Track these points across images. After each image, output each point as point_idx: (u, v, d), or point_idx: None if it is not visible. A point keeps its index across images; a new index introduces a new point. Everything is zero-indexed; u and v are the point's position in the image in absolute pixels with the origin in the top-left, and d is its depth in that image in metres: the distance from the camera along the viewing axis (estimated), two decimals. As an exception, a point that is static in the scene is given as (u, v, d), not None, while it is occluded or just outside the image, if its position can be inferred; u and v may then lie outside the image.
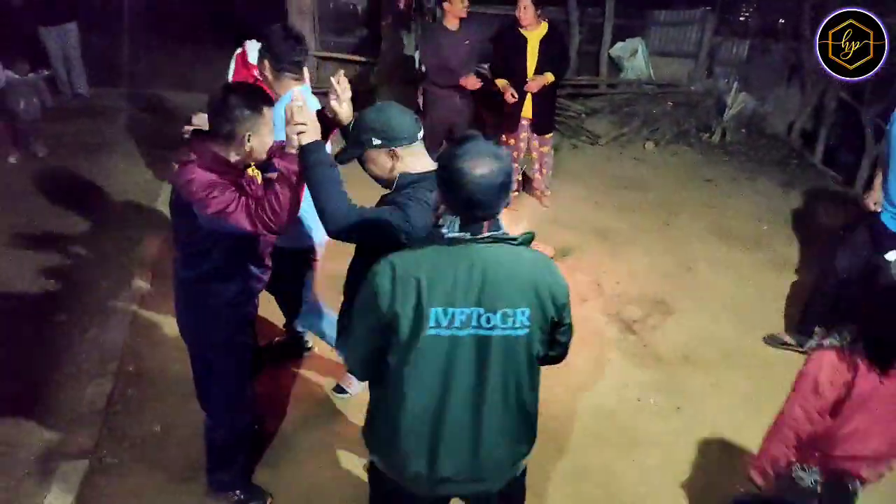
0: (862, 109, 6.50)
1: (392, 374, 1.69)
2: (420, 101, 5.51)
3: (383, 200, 2.06)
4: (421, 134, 2.05)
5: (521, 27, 5.04)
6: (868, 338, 2.03)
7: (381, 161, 2.02)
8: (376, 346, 1.69)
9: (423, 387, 1.67)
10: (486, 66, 7.10)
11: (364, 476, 2.25)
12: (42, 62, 6.57)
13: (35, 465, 2.84)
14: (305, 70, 2.87)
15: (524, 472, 1.96)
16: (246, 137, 2.14)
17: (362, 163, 2.06)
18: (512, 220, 4.87)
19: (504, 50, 5.23)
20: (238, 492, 2.72)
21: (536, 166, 5.69)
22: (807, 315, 3.97)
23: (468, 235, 1.62)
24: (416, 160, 2.04)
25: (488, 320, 1.62)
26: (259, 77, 3.03)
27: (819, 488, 2.23)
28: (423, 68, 5.56)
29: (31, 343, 3.58)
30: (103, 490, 2.74)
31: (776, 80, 8.02)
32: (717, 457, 3.15)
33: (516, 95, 5.13)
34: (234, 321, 2.40)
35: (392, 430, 1.72)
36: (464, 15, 5.12)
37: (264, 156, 2.24)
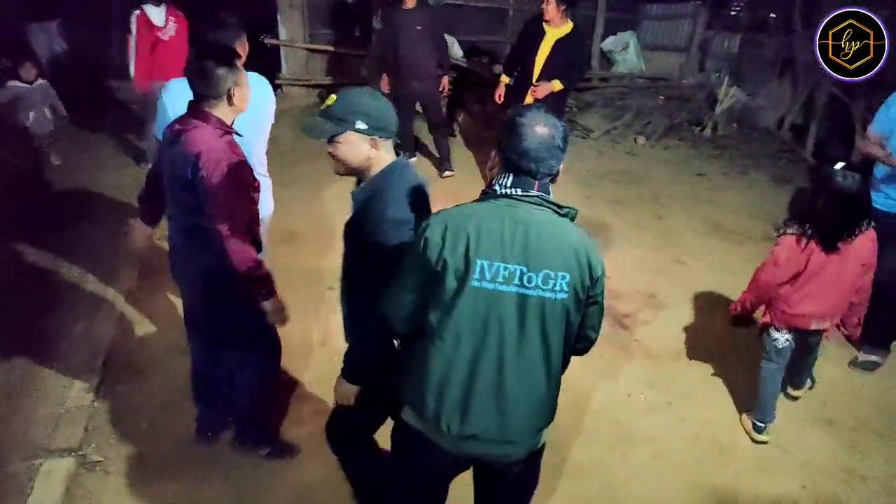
0: (852, 104, 6.51)
1: (431, 324, 1.74)
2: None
3: (370, 187, 2.00)
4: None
5: (545, 21, 4.96)
6: (820, 226, 2.86)
7: (360, 147, 1.96)
8: (420, 299, 1.75)
9: (460, 338, 1.71)
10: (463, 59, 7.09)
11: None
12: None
13: (20, 461, 2.80)
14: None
15: (542, 449, 1.96)
16: (231, 92, 2.29)
17: (332, 142, 1.98)
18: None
19: (521, 39, 5.24)
20: (268, 446, 2.83)
21: None
22: None
23: (518, 192, 1.70)
24: (387, 155, 2.01)
25: (530, 280, 1.67)
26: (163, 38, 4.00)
27: (791, 343, 3.15)
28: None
29: (19, 337, 3.53)
30: (89, 487, 2.71)
31: (767, 74, 8.03)
32: (709, 451, 3.15)
33: (501, 98, 5.33)
34: None
35: (427, 379, 1.77)
36: None
37: (246, 107, 2.40)
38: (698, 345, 3.93)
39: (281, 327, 2.56)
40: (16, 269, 4.10)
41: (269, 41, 7.35)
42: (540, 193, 1.72)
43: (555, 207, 1.73)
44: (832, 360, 3.85)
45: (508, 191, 1.70)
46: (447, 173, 5.99)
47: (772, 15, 7.96)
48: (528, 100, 5.02)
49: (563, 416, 3.22)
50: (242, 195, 2.29)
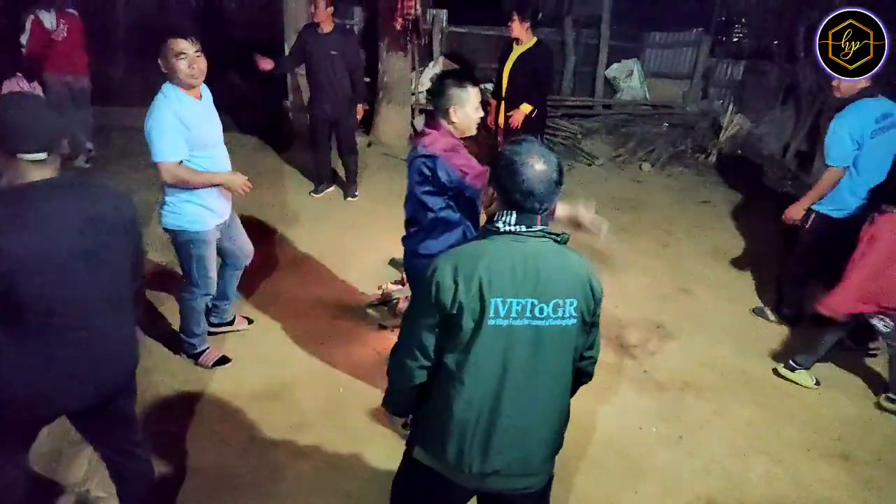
0: None
1: (449, 367, 1.74)
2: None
3: None
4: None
5: (514, 40, 5.31)
6: None
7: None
8: (437, 343, 1.75)
9: (481, 377, 1.72)
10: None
11: None
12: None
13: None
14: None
15: (552, 479, 1.96)
16: (453, 111, 2.73)
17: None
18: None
19: (499, 62, 5.53)
20: None
21: None
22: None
23: (523, 228, 1.73)
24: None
25: (542, 311, 1.70)
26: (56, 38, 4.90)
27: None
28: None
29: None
30: (90, 523, 2.66)
31: (771, 101, 8.08)
32: (721, 487, 3.08)
33: (492, 123, 5.54)
34: None
35: (447, 422, 1.76)
36: (322, 20, 5.37)
37: (473, 130, 2.82)
38: (707, 376, 3.88)
39: None
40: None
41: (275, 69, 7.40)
42: (543, 227, 1.76)
43: (554, 237, 1.78)
44: (846, 392, 3.80)
45: (514, 228, 1.73)
46: (350, 199, 6.00)
47: (775, 42, 8.03)
48: (501, 113, 5.41)
49: (572, 449, 3.19)
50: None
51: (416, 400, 1.90)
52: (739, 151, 7.70)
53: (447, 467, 1.81)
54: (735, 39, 9.20)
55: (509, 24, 5.23)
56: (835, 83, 3.95)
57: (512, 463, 1.77)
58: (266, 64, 5.42)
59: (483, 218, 1.87)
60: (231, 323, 3.92)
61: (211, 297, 3.52)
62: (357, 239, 5.22)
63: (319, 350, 3.78)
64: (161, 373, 3.56)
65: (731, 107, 8.02)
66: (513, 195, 1.71)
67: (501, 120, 5.50)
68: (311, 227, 5.34)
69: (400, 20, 6.40)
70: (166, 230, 3.28)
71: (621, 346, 4.11)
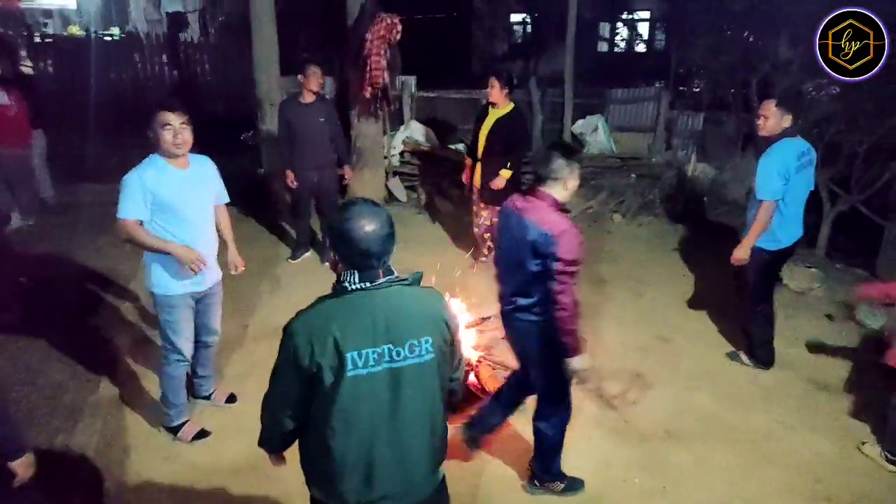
0: (816, 175, 6.76)
1: (319, 416, 1.90)
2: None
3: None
4: None
5: (491, 104, 5.54)
6: None
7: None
8: (303, 396, 1.90)
9: (349, 423, 1.88)
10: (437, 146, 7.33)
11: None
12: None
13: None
14: None
15: (444, 478, 2.15)
16: (564, 183, 2.88)
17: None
18: (492, 301, 4.84)
19: (475, 123, 5.75)
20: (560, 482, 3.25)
21: (486, 234, 5.89)
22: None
23: (368, 284, 1.87)
24: None
25: (399, 353, 1.87)
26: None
27: None
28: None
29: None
30: None
31: (731, 149, 8.38)
32: (706, 536, 3.09)
33: (468, 180, 5.80)
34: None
35: (329, 464, 1.92)
36: (314, 88, 5.54)
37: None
38: (687, 423, 3.91)
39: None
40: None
41: (249, 140, 7.57)
42: (387, 278, 1.90)
43: (401, 282, 1.93)
44: (826, 434, 3.85)
45: (359, 286, 1.87)
46: (328, 262, 5.98)
47: (731, 92, 8.40)
48: (477, 174, 5.65)
49: (559, 507, 3.19)
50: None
51: (290, 440, 2.07)
52: (705, 199, 7.93)
53: (340, 501, 1.96)
54: (694, 91, 9.62)
55: (489, 88, 5.42)
56: (760, 122, 4.11)
57: (394, 486, 1.95)
58: (291, 180, 5.72)
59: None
60: (209, 398, 3.92)
61: (186, 363, 3.51)
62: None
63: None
64: (142, 449, 3.51)
65: (693, 156, 8.31)
66: (352, 258, 1.87)
67: (477, 180, 5.69)
68: (291, 293, 5.36)
69: (369, 88, 6.61)
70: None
71: (601, 398, 4.14)
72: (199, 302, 3.49)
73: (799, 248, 6.72)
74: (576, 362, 2.90)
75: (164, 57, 12.41)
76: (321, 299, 1.92)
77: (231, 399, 3.96)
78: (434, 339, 1.91)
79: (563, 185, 2.88)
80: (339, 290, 1.89)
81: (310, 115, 5.58)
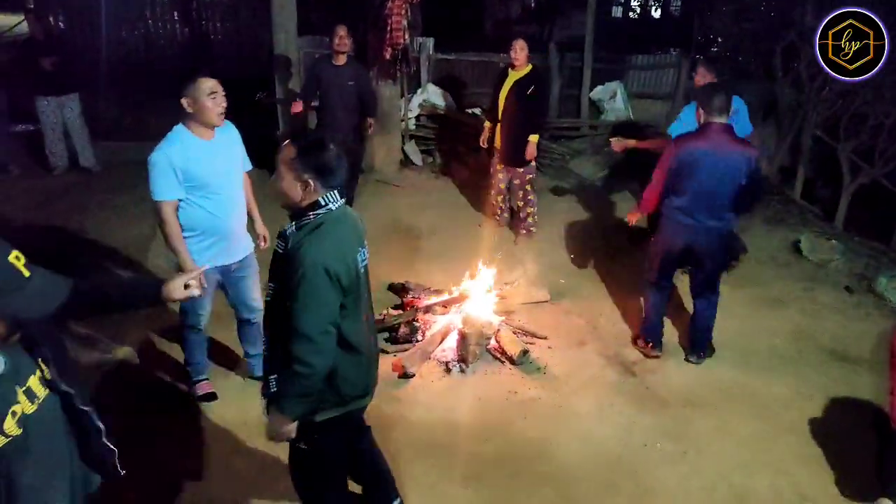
0: (838, 146, 6.70)
1: (347, 319, 2.20)
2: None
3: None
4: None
5: (511, 67, 5.50)
6: None
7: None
8: (338, 311, 2.15)
9: (359, 318, 2.27)
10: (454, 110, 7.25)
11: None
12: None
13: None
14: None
15: None
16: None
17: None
18: (510, 266, 4.85)
19: (494, 88, 5.72)
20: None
21: (519, 203, 5.87)
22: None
23: (342, 200, 2.22)
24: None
25: (364, 254, 2.30)
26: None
27: None
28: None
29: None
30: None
31: (752, 118, 8.25)
32: (726, 501, 3.13)
33: (485, 143, 5.83)
34: None
35: (357, 357, 2.27)
36: (345, 50, 5.55)
37: None
38: (708, 391, 3.94)
39: None
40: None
41: (265, 99, 7.50)
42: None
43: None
44: (843, 404, 3.87)
45: (340, 202, 2.20)
46: None
47: (753, 62, 8.24)
48: (497, 135, 5.64)
49: (582, 469, 3.24)
50: None
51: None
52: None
53: (362, 397, 2.39)
54: (714, 59, 9.43)
55: (517, 52, 5.37)
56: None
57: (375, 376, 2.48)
58: (297, 107, 5.69)
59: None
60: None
61: (200, 332, 3.47)
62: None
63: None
64: (172, 408, 3.57)
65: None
66: (332, 182, 2.14)
67: (498, 141, 5.65)
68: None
69: (389, 50, 6.51)
70: None
71: (621, 364, 4.17)
72: (229, 276, 3.37)
73: (818, 220, 6.72)
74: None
75: (176, 14, 12.22)
76: (319, 227, 2.13)
77: None
78: (366, 248, 2.31)
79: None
80: (326, 210, 2.15)
81: (341, 78, 5.58)
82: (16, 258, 1.45)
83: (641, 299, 4.43)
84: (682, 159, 3.69)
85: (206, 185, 3.10)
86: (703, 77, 4.90)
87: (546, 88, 5.77)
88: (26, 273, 1.45)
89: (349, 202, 6.04)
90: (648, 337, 4.26)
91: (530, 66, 5.48)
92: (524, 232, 5.92)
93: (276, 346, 2.23)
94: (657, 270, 4.10)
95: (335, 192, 2.16)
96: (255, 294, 3.51)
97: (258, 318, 3.52)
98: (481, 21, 15.30)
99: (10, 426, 1.51)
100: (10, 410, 1.51)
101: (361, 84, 5.72)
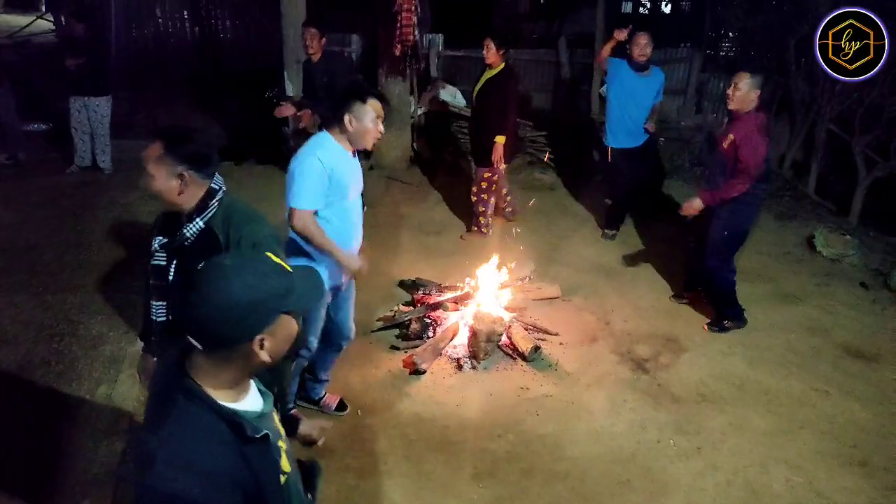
0: (852, 140, 6.62)
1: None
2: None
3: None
4: None
5: (487, 65, 5.49)
6: None
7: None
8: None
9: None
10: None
11: None
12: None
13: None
14: None
15: None
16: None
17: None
18: (519, 262, 4.83)
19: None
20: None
21: (472, 198, 5.84)
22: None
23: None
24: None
25: None
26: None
27: None
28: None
29: (40, 402, 3.51)
30: (120, 557, 2.66)
31: (765, 113, 8.16)
32: (742, 498, 3.10)
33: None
34: None
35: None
36: (309, 49, 5.54)
37: None
38: (721, 387, 3.91)
39: None
40: (33, 330, 4.09)
41: (275, 96, 7.50)
42: None
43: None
44: (859, 399, 3.83)
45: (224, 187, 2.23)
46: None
47: (766, 56, 8.16)
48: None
49: (596, 465, 3.22)
50: None
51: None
52: (736, 164, 7.78)
53: None
54: (723, 53, 9.36)
55: (485, 50, 5.34)
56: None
57: None
58: (285, 111, 5.66)
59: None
60: (318, 403, 3.55)
61: (305, 356, 3.24)
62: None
63: (334, 374, 3.79)
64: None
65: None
66: (208, 167, 2.15)
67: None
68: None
69: (399, 46, 6.51)
70: None
71: (633, 361, 4.14)
72: (338, 296, 3.19)
73: (832, 216, 6.65)
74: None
75: (185, 13, 12.28)
76: (228, 207, 2.16)
77: (341, 407, 3.55)
78: None
79: None
80: (222, 193, 2.17)
81: (319, 74, 5.56)
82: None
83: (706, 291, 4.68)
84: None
85: (343, 198, 2.94)
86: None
87: (516, 87, 5.65)
88: (288, 268, 1.34)
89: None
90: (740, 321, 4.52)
91: (503, 66, 5.43)
92: (475, 228, 5.85)
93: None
94: (735, 251, 4.43)
95: (218, 177, 2.18)
96: (352, 317, 3.40)
97: (347, 345, 3.46)
98: (490, 17, 15.23)
99: (285, 463, 1.41)
100: (281, 447, 1.41)
101: (340, 80, 5.52)
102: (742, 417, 3.65)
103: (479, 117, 5.60)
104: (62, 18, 8.61)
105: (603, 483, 3.14)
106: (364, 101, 2.84)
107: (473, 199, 5.77)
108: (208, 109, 9.11)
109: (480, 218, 5.80)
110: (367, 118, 2.85)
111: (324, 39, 5.57)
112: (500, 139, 5.35)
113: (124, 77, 9.34)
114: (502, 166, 5.49)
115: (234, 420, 1.25)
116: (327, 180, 2.82)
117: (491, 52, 5.34)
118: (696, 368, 4.09)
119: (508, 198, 6.05)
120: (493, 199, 5.76)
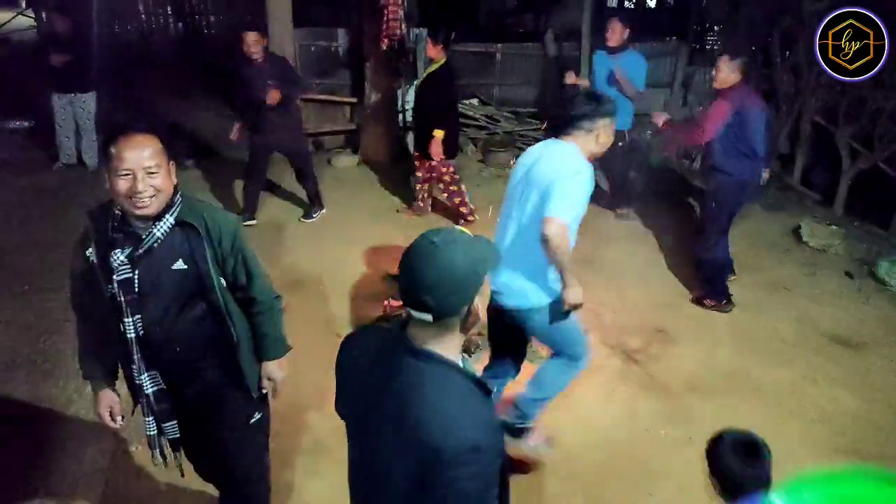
0: (836, 131, 6.67)
1: None
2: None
3: None
4: None
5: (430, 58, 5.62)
6: None
7: None
8: None
9: None
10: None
11: None
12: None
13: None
14: None
15: None
16: None
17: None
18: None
19: None
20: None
21: (444, 195, 6.03)
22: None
23: None
24: None
25: None
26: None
27: None
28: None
29: (29, 402, 3.46)
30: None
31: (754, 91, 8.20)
32: (733, 486, 3.12)
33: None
34: None
35: None
36: (253, 53, 5.20)
37: None
38: (711, 377, 3.93)
39: None
40: (19, 330, 4.04)
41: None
42: None
43: None
44: (847, 387, 3.87)
45: None
46: (306, 220, 5.92)
47: (752, 48, 8.20)
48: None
49: (589, 456, 3.23)
50: None
51: None
52: (722, 156, 7.82)
53: None
54: (709, 47, 9.39)
55: (426, 46, 5.49)
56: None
57: None
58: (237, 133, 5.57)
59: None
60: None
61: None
62: (352, 256, 5.24)
63: (328, 370, 3.77)
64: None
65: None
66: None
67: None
68: (309, 248, 5.35)
69: (386, 40, 6.47)
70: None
71: (624, 352, 4.15)
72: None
73: (818, 206, 6.71)
74: None
75: (169, 9, 12.15)
76: (188, 197, 2.06)
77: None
78: None
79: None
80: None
81: (261, 78, 5.23)
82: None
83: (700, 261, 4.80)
84: None
85: (582, 212, 2.76)
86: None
87: (451, 83, 5.60)
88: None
89: (311, 197, 5.98)
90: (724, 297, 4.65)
91: (442, 60, 5.46)
92: (462, 222, 5.88)
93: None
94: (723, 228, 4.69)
95: None
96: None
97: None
98: (475, 11, 15.20)
99: None
100: None
101: (286, 85, 5.34)
102: (732, 407, 3.67)
103: (417, 113, 5.74)
104: (44, 14, 8.48)
105: (594, 472, 3.15)
106: (614, 116, 2.71)
107: (445, 195, 5.92)
108: (196, 107, 9.03)
109: (462, 208, 5.90)
110: (612, 128, 2.73)
111: (265, 41, 5.33)
112: (439, 133, 5.40)
113: (108, 73, 9.25)
114: (443, 158, 5.57)
115: (476, 378, 1.45)
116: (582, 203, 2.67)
117: (431, 46, 5.42)
118: (686, 359, 4.11)
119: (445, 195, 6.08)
120: (463, 186, 5.89)
